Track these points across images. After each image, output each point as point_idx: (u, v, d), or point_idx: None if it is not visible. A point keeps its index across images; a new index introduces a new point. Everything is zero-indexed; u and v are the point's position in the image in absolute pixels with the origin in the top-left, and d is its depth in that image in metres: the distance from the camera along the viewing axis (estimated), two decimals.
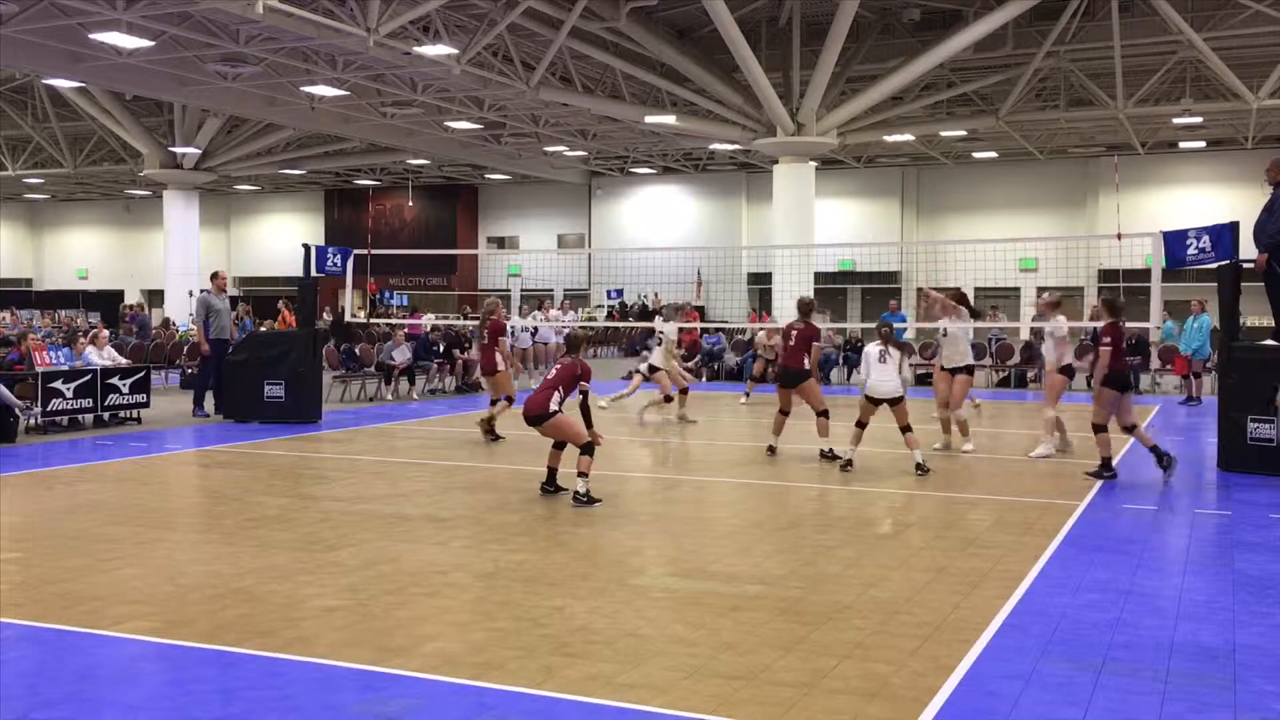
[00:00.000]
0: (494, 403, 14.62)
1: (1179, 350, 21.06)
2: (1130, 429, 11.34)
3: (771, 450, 13.00)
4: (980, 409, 18.04)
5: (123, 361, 16.92)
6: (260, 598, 6.63)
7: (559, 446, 10.16)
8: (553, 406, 9.77)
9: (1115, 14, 22.89)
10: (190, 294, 31.68)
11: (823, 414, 12.64)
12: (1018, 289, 35.26)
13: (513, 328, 23.89)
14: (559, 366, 10.15)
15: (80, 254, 54.22)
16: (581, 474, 9.72)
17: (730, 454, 13.62)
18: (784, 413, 13.13)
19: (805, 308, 13.16)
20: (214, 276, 17.77)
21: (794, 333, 12.90)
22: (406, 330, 22.38)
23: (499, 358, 14.60)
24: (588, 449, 9.77)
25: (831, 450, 12.50)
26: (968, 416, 13.28)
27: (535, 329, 26.19)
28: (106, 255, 53.48)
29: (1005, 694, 5.08)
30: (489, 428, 14.24)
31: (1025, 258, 36.05)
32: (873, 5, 24.79)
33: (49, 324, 34.16)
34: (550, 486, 10.19)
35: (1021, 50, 25.73)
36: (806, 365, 12.77)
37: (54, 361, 15.38)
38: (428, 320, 26.30)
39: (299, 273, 17.36)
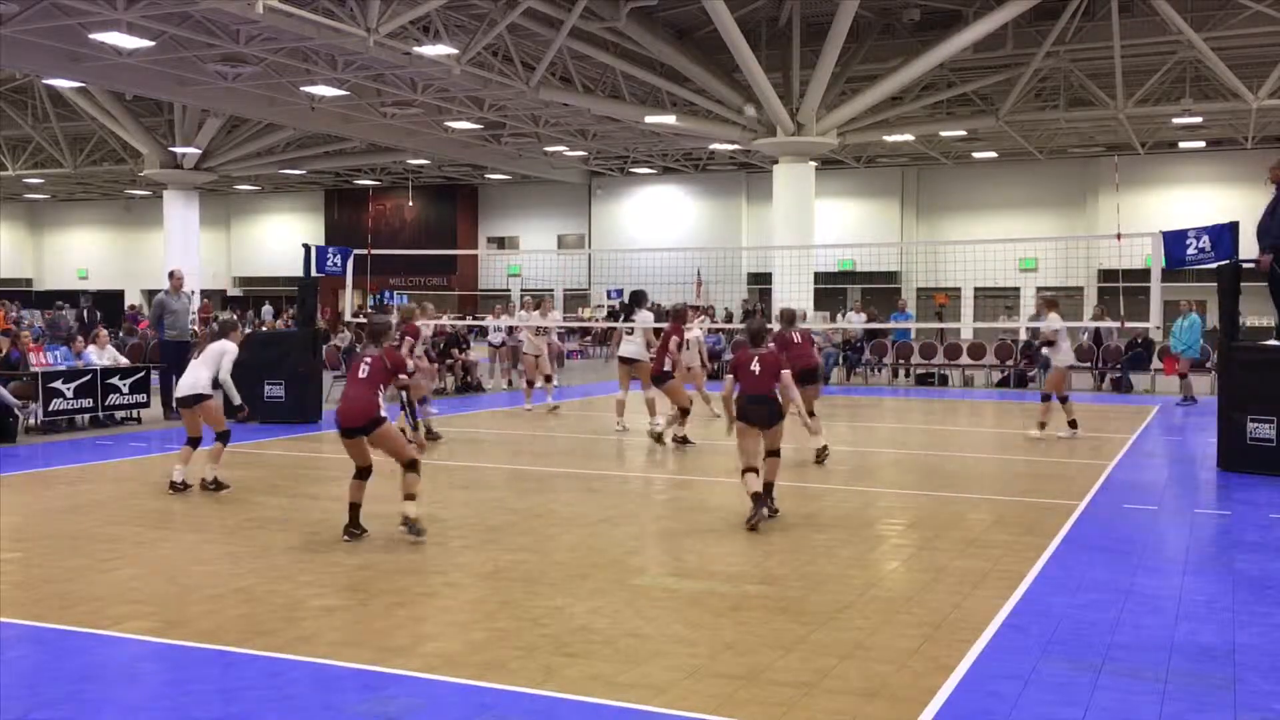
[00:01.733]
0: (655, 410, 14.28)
1: (1170, 350, 21.02)
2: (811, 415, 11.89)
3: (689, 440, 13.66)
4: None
5: (123, 361, 16.92)
6: (260, 598, 6.62)
7: (363, 475, 8.28)
8: (381, 412, 8.12)
9: (1115, 14, 22.86)
10: (190, 294, 31.63)
11: (684, 411, 13.61)
12: (1017, 289, 35.24)
13: (495, 327, 23.80)
14: (368, 362, 8.22)
15: (80, 254, 54.19)
16: (410, 496, 8.15)
17: (730, 454, 13.59)
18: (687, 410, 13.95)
19: (681, 313, 14.20)
20: (170, 276, 17.54)
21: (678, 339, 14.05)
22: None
23: (668, 362, 13.64)
24: (413, 466, 8.17)
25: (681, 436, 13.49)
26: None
27: (538, 329, 26.08)
28: (106, 255, 53.45)
29: (1005, 694, 5.08)
30: (679, 437, 13.55)
31: (1025, 258, 36.02)
32: (873, 5, 24.75)
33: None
34: (356, 529, 8.20)
35: (1021, 50, 25.70)
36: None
37: (53, 362, 15.38)
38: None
39: (299, 273, 17.36)
